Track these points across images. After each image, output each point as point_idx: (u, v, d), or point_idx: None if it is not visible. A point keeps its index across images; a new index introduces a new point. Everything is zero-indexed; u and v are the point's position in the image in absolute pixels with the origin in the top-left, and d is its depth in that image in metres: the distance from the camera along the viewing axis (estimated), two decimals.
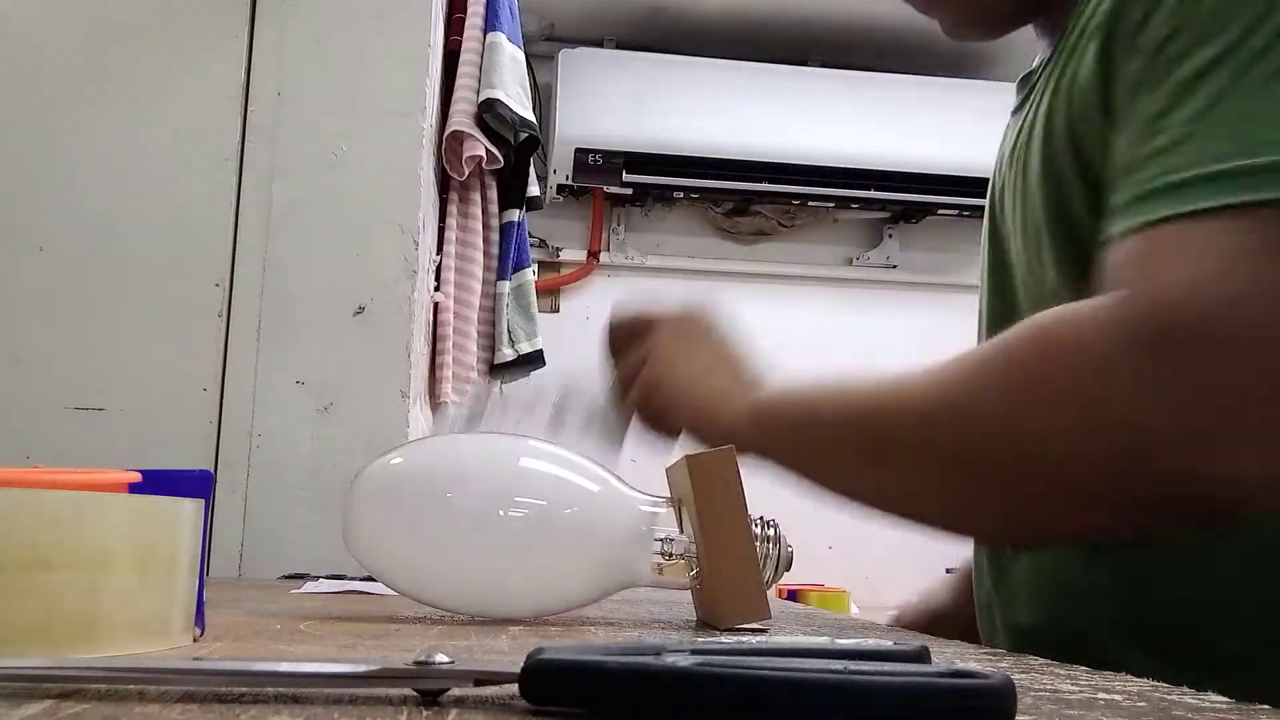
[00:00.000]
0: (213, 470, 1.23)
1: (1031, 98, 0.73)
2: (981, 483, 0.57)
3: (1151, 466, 0.50)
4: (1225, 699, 0.36)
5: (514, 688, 0.31)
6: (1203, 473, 0.50)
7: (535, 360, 1.75)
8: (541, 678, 0.30)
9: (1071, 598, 0.68)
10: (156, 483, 0.49)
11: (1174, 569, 0.62)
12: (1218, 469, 0.49)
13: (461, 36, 1.56)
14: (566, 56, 2.74)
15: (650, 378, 0.73)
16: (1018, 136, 0.73)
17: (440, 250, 1.56)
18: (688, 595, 0.69)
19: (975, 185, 2.81)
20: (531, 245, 2.28)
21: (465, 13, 1.57)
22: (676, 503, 0.64)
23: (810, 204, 2.87)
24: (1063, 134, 0.64)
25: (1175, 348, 0.49)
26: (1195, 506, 0.52)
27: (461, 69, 1.54)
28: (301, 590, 0.90)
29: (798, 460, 0.66)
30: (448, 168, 1.54)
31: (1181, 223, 0.51)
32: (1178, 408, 0.49)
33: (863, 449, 0.62)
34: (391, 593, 0.71)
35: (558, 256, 2.90)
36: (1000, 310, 0.76)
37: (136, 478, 0.49)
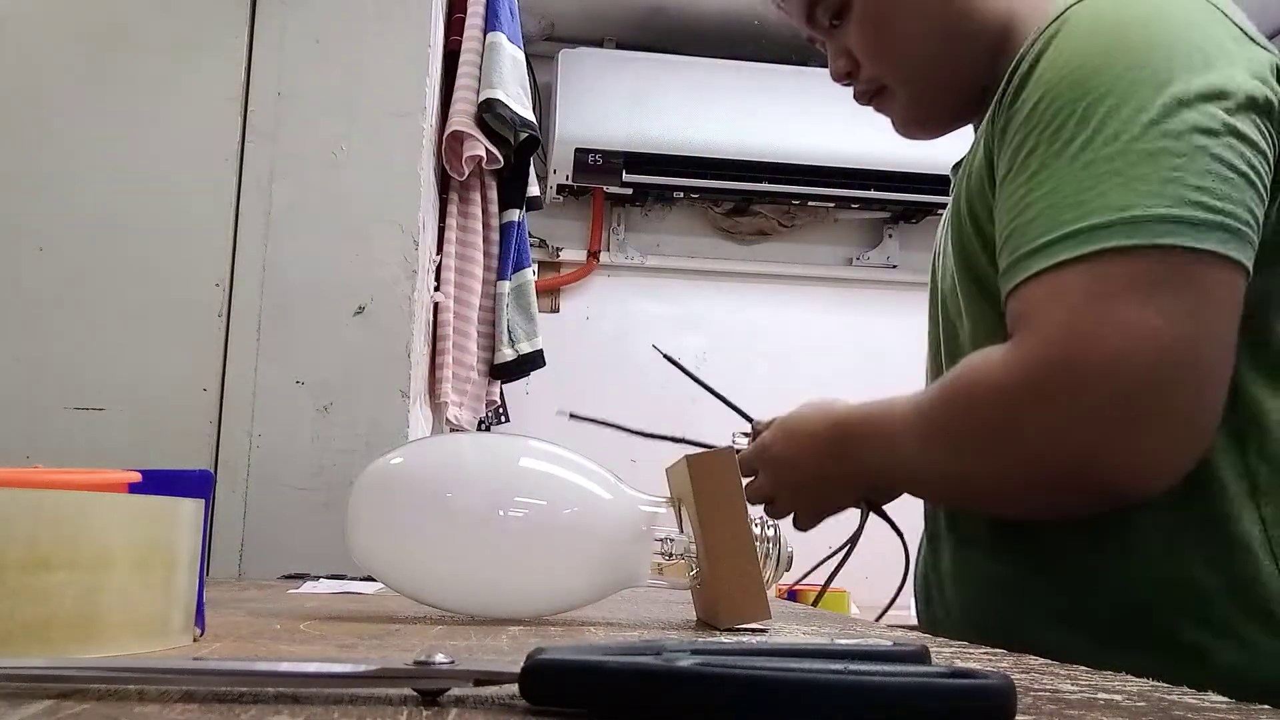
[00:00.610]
0: (213, 470, 1.23)
1: (957, 179, 0.88)
2: (951, 495, 0.82)
3: (1066, 470, 0.67)
4: (1225, 699, 0.36)
5: (514, 688, 0.31)
6: (1104, 465, 0.65)
7: (535, 360, 1.75)
8: (541, 678, 0.30)
9: (1004, 587, 0.79)
10: (156, 483, 0.49)
11: (1122, 561, 0.72)
12: (1114, 461, 0.64)
13: (461, 36, 1.56)
14: (566, 56, 2.74)
15: (778, 505, 0.89)
16: (948, 211, 0.88)
17: (440, 250, 1.56)
18: (688, 595, 0.69)
19: None
20: (531, 245, 2.29)
21: (465, 13, 1.57)
22: (676, 503, 0.64)
23: (810, 204, 2.87)
24: (965, 210, 0.80)
25: (1063, 377, 0.65)
26: (1106, 493, 0.67)
27: (461, 69, 1.54)
28: (301, 590, 0.90)
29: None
30: (448, 168, 1.54)
31: (1049, 275, 0.67)
32: (1075, 421, 0.65)
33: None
34: (391, 593, 0.71)
35: (558, 256, 2.90)
36: (940, 351, 0.89)
37: (136, 478, 0.49)
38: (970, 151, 0.84)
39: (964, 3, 0.83)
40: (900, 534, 0.93)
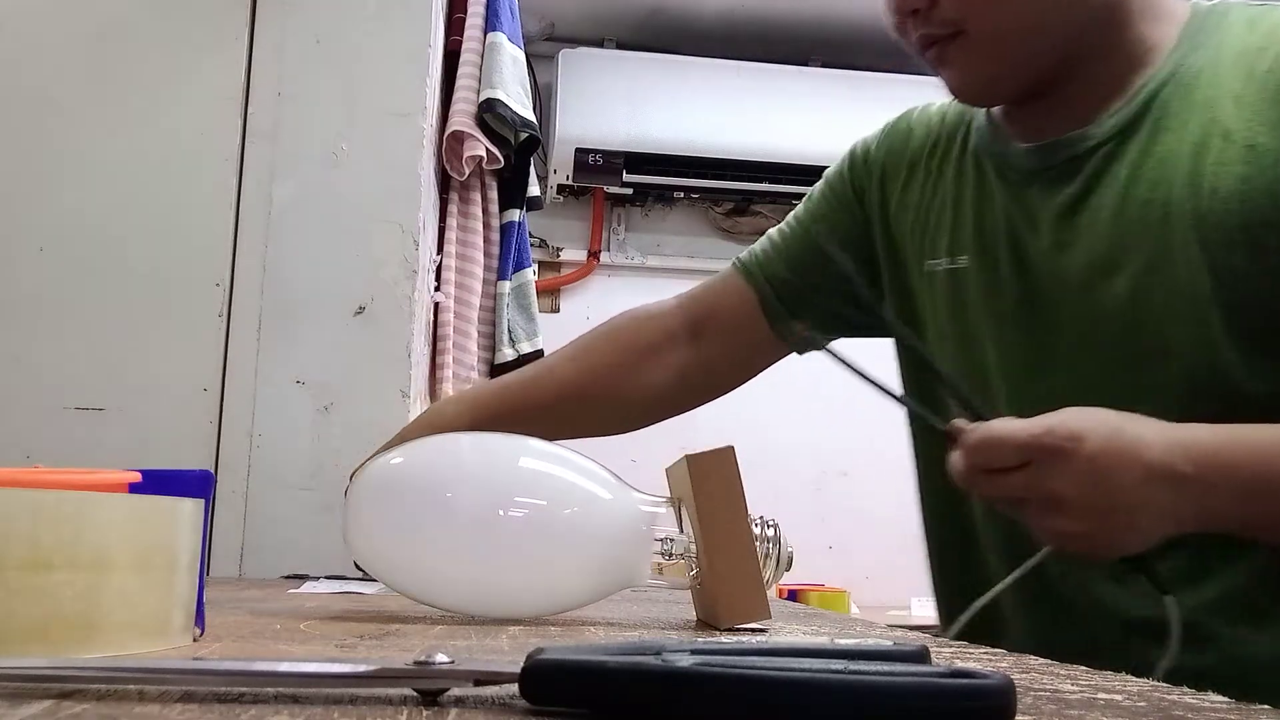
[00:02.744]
0: (213, 470, 1.23)
1: (1087, 168, 0.76)
2: None
3: None
4: (1225, 699, 0.36)
5: (514, 688, 0.31)
6: None
7: (535, 360, 1.75)
8: (541, 678, 0.30)
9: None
10: (156, 483, 0.49)
11: None
12: None
13: (461, 36, 1.56)
14: (566, 56, 2.74)
15: (1055, 516, 0.65)
16: (1081, 203, 0.76)
17: (440, 250, 1.56)
18: (688, 595, 0.69)
19: None
20: (531, 245, 2.29)
21: (465, 13, 1.57)
22: (676, 503, 0.64)
23: None
24: (1234, 200, 0.69)
25: None
26: None
27: (461, 69, 1.54)
28: (301, 590, 0.90)
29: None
30: (448, 168, 1.54)
31: None
32: None
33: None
34: (391, 593, 0.71)
35: (558, 256, 2.90)
36: (1031, 363, 0.77)
37: (136, 478, 0.49)
38: (1134, 132, 0.74)
39: None
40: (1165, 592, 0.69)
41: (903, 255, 0.89)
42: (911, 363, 0.91)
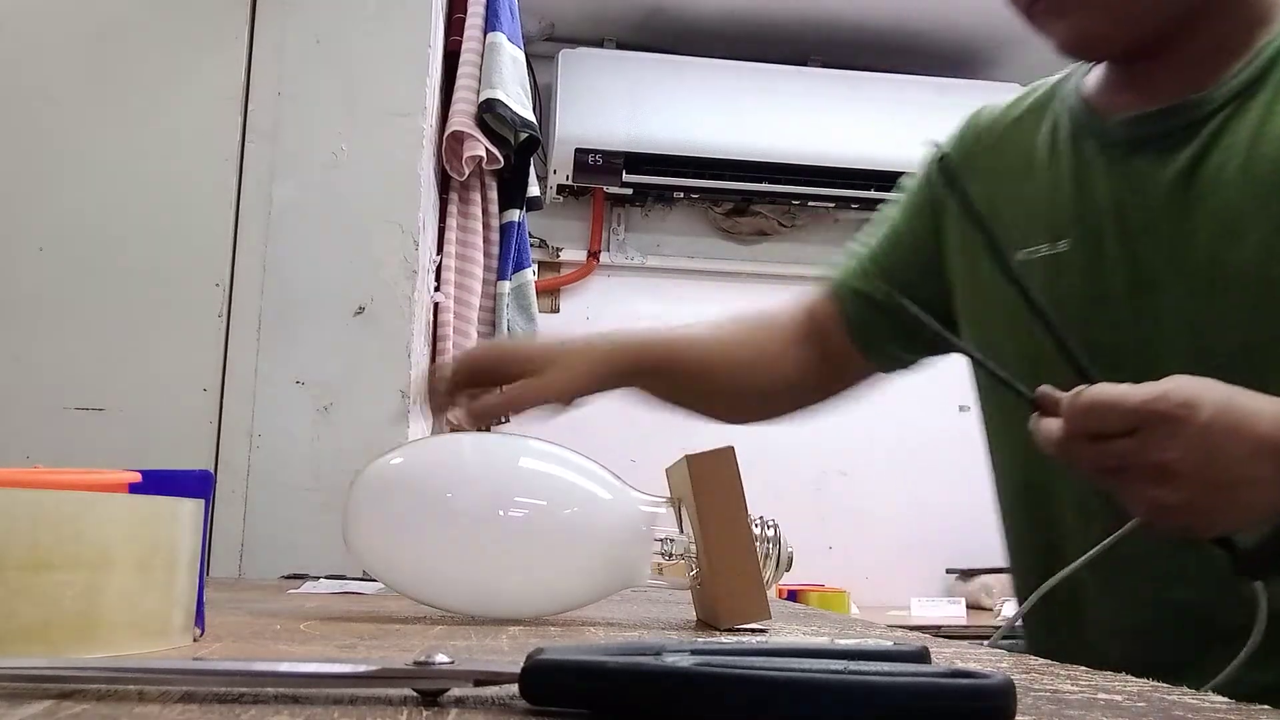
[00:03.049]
0: (213, 470, 1.23)
1: (1205, 130, 0.72)
2: None
3: None
4: (1225, 699, 0.36)
5: (514, 688, 0.31)
6: None
7: None
8: (541, 678, 0.30)
9: None
10: (156, 483, 0.49)
11: None
12: None
13: (461, 36, 1.56)
14: (566, 56, 2.74)
15: (1176, 501, 0.60)
16: (1199, 166, 0.72)
17: (440, 250, 1.56)
18: (688, 595, 0.69)
19: None
20: (531, 245, 2.29)
21: (465, 13, 1.57)
22: (676, 503, 0.64)
23: (810, 204, 2.87)
24: None
25: None
26: None
27: (461, 69, 1.54)
28: (301, 590, 0.90)
29: None
30: (448, 168, 1.54)
31: None
32: None
33: None
34: (391, 593, 0.71)
35: (558, 256, 2.90)
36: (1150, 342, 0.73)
37: (136, 478, 0.49)
38: (1255, 94, 0.71)
39: None
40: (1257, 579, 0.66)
41: (975, 255, 0.85)
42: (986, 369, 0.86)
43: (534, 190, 1.76)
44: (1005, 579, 1.12)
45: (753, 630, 0.60)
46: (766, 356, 0.94)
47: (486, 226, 1.63)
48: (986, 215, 0.74)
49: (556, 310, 2.88)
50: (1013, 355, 0.77)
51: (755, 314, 0.97)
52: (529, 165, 1.70)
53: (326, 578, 1.02)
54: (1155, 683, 0.40)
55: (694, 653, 0.30)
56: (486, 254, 1.63)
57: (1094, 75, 0.81)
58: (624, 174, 2.72)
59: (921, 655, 0.34)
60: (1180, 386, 0.60)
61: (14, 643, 0.37)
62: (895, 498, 2.83)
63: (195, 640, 0.47)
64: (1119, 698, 0.37)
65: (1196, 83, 0.73)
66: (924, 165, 0.92)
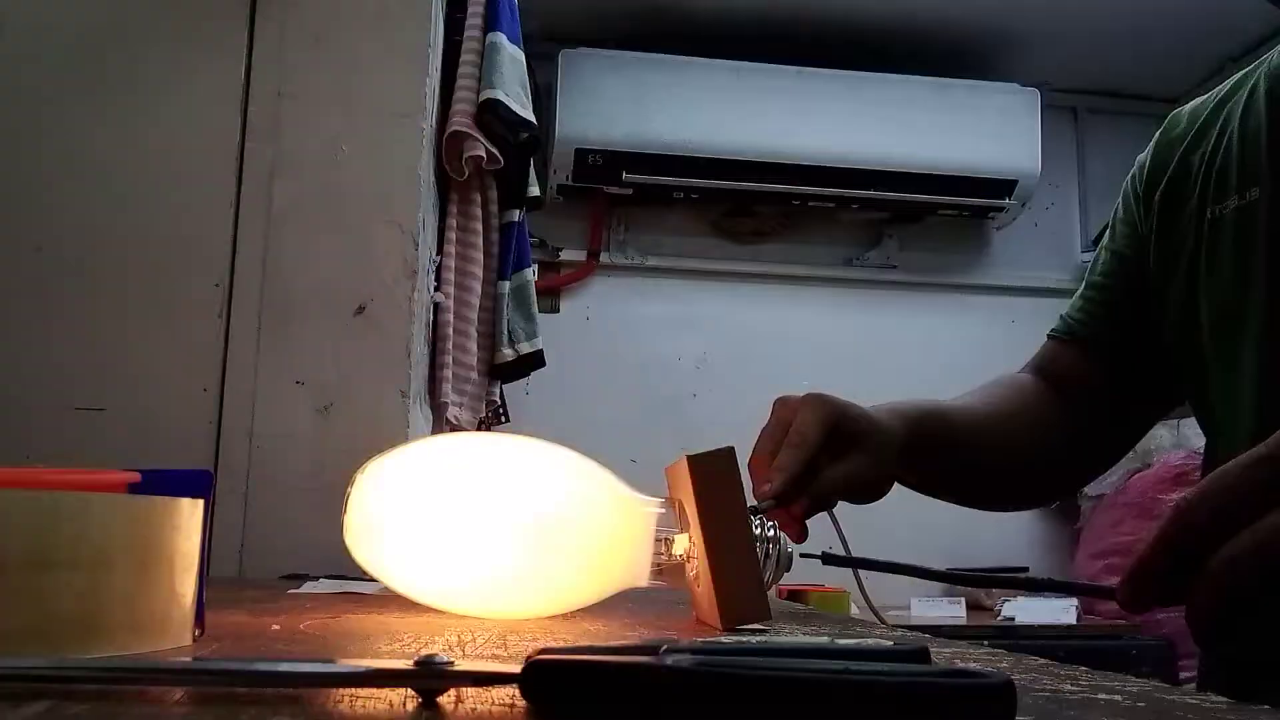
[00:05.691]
0: (213, 470, 1.23)
1: None
2: None
3: None
4: (1225, 699, 0.36)
5: (514, 688, 0.31)
6: None
7: (535, 361, 1.75)
8: (541, 678, 0.30)
9: None
10: (156, 483, 0.49)
11: None
12: None
13: (461, 36, 1.56)
14: (566, 56, 2.74)
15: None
16: None
17: (440, 250, 1.56)
18: (688, 595, 0.69)
19: (975, 185, 2.81)
20: (531, 245, 2.29)
21: (465, 13, 1.57)
22: (676, 503, 0.64)
23: (810, 204, 2.87)
24: None
25: None
26: None
27: (461, 69, 1.54)
28: (301, 590, 0.90)
29: None
30: (448, 168, 1.54)
31: None
32: None
33: None
34: (391, 593, 0.71)
35: (558, 256, 2.90)
36: None
37: (136, 478, 0.49)
38: None
39: None
40: None
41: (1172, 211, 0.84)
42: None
43: (534, 190, 1.76)
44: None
45: (753, 630, 0.60)
46: (1035, 424, 0.89)
47: (486, 226, 1.63)
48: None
49: (556, 310, 2.88)
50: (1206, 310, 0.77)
51: (995, 382, 0.92)
52: (529, 165, 1.70)
53: (326, 578, 1.02)
54: (1155, 683, 0.40)
55: (694, 653, 0.30)
56: (486, 254, 1.63)
57: None
58: (624, 174, 2.73)
59: (921, 655, 0.34)
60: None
61: (14, 643, 0.37)
62: (895, 498, 2.82)
63: (195, 640, 0.47)
64: (1119, 698, 0.37)
65: None
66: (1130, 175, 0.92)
